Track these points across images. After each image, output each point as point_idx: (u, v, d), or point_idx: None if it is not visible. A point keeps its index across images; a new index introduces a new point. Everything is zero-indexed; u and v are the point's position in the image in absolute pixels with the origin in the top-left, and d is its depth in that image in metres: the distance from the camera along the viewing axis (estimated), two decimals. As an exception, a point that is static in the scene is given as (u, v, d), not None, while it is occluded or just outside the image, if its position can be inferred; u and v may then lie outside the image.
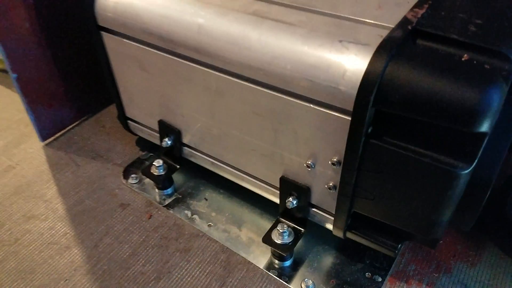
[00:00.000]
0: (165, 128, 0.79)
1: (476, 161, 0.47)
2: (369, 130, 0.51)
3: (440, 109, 0.43)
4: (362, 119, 0.49)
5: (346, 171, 0.55)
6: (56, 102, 0.97)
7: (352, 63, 0.49)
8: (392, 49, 0.47)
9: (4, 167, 0.92)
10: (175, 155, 0.83)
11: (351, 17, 0.56)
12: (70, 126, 1.03)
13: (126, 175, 0.89)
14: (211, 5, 0.62)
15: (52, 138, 1.00)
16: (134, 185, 0.87)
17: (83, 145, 0.98)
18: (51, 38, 0.90)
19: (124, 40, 0.72)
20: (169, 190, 0.85)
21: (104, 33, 0.75)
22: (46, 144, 0.99)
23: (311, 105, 0.54)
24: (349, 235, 0.65)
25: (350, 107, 0.50)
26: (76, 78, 0.98)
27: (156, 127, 0.81)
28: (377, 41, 0.49)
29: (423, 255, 0.74)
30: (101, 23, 0.73)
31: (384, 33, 0.50)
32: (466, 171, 0.47)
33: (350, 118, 0.51)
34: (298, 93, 0.55)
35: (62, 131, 1.02)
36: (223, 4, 0.61)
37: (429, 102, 0.44)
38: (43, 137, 0.98)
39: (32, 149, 0.97)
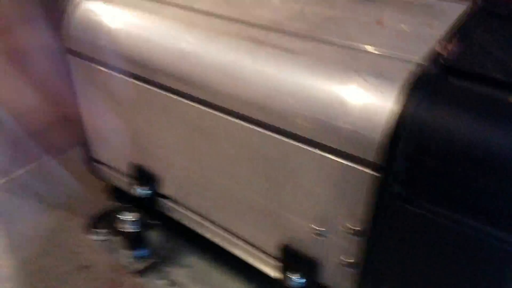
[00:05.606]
0: (140, 174, 0.77)
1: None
2: (397, 190, 0.46)
3: (489, 161, 0.39)
4: (392, 174, 0.44)
5: (369, 243, 0.51)
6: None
7: (375, 101, 0.46)
8: (427, 87, 0.44)
9: None
10: (152, 209, 0.80)
11: (367, 47, 0.53)
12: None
13: (90, 230, 0.85)
14: (198, 27, 0.60)
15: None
16: (98, 242, 0.82)
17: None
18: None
19: (93, 65, 0.71)
20: (143, 253, 0.80)
21: (70, 56, 0.74)
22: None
23: (318, 151, 0.50)
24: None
25: (372, 157, 0.45)
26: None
27: (128, 171, 0.79)
28: (404, 75, 0.46)
29: None
30: (67, 45, 0.72)
31: (411, 67, 0.48)
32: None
33: (374, 172, 0.46)
34: (302, 135, 0.51)
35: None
36: (212, 27, 0.59)
37: (473, 152, 0.40)
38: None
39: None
